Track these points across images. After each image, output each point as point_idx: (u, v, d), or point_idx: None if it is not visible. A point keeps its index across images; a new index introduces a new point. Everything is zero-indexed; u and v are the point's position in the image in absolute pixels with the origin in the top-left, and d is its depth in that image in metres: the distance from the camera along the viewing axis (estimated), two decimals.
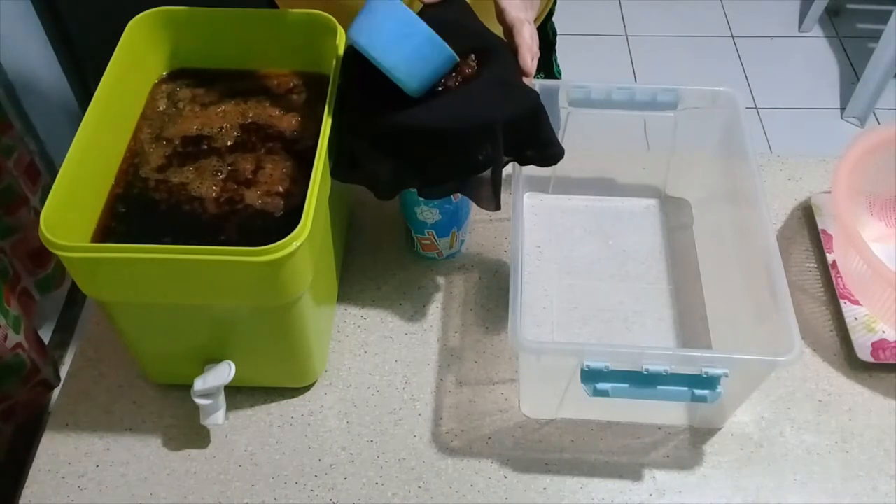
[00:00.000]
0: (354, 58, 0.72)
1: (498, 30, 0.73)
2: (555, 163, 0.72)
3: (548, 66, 1.04)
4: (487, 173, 0.69)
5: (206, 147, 0.74)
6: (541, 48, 0.74)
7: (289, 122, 0.76)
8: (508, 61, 0.70)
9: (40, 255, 1.53)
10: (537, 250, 0.88)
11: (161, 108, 0.77)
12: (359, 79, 0.70)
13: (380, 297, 0.84)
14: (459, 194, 0.78)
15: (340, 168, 0.71)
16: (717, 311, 0.81)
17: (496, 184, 0.70)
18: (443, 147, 0.67)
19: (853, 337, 0.79)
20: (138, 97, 0.77)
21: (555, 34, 1.03)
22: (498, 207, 0.72)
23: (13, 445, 1.47)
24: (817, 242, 0.88)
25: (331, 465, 0.73)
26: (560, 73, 1.07)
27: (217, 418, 0.71)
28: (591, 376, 0.64)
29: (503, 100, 0.68)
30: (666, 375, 0.64)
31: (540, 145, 0.71)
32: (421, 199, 0.78)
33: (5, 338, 1.32)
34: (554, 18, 1.01)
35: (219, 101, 0.78)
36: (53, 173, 1.68)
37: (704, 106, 0.81)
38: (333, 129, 0.68)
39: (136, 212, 0.70)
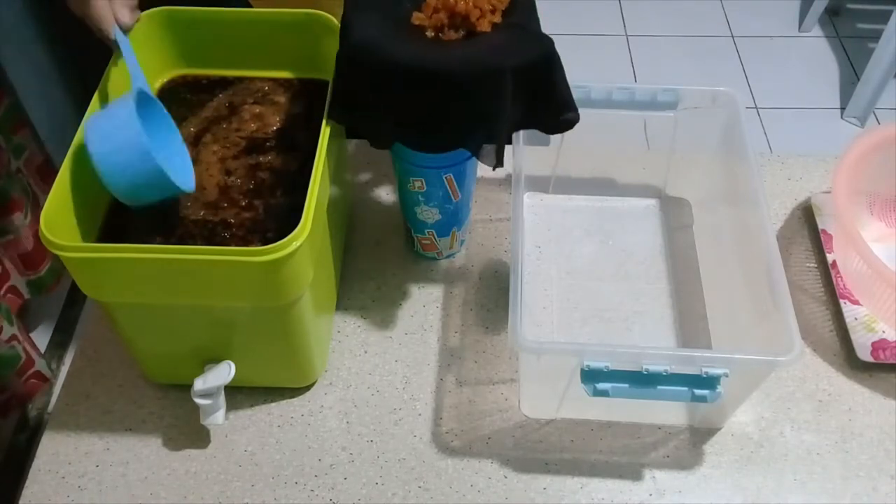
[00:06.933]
0: None
1: None
2: (569, 128, 0.67)
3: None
4: (492, 126, 0.65)
5: (206, 147, 0.74)
6: None
7: (289, 122, 0.76)
8: (525, 6, 0.66)
9: (33, 257, 1.53)
10: (537, 250, 0.88)
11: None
12: (360, 10, 0.66)
13: (380, 297, 0.84)
14: (460, 190, 0.78)
15: (337, 109, 0.67)
16: (717, 311, 0.81)
17: (501, 138, 0.66)
18: (446, 92, 0.62)
19: (853, 337, 0.79)
20: None
21: None
22: (500, 164, 0.67)
23: (13, 445, 1.47)
24: (817, 242, 0.88)
25: (331, 465, 0.73)
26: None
27: (217, 418, 0.71)
28: (591, 376, 0.64)
29: (515, 45, 0.63)
30: (666, 375, 0.64)
31: (553, 105, 0.66)
32: (421, 198, 0.78)
33: (0, 329, 1.32)
34: (554, 18, 1.00)
35: (219, 100, 0.78)
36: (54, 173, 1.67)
37: (704, 106, 0.81)
38: (333, 126, 0.68)
39: (136, 212, 0.70)
